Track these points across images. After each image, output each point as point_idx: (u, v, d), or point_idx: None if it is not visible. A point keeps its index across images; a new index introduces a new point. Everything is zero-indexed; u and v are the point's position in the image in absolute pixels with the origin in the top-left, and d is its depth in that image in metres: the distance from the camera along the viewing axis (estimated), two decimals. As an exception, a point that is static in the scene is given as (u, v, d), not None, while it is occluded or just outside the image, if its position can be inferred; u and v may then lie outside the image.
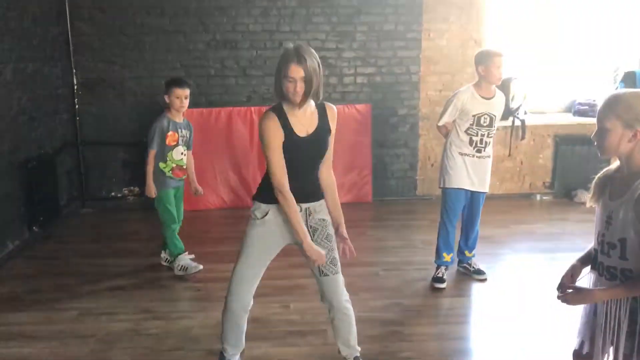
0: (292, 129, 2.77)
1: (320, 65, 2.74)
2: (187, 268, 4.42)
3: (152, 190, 4.37)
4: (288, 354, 3.32)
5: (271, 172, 2.76)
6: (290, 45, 2.75)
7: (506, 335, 3.54)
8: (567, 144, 6.63)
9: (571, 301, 2.16)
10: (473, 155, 4.17)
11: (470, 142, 4.16)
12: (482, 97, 4.12)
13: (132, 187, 6.38)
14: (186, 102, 4.36)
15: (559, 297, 2.18)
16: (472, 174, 4.19)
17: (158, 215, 4.45)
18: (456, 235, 4.37)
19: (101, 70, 6.20)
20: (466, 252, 4.42)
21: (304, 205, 2.87)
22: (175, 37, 6.20)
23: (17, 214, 5.15)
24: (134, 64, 6.23)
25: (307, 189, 2.89)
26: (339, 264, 2.96)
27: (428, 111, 6.49)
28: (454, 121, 4.19)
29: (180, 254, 4.45)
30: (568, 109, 6.95)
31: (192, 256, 4.51)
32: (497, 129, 6.51)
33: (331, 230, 2.96)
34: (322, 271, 2.92)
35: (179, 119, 4.41)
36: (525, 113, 6.54)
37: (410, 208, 6.36)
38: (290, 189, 2.77)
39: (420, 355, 3.29)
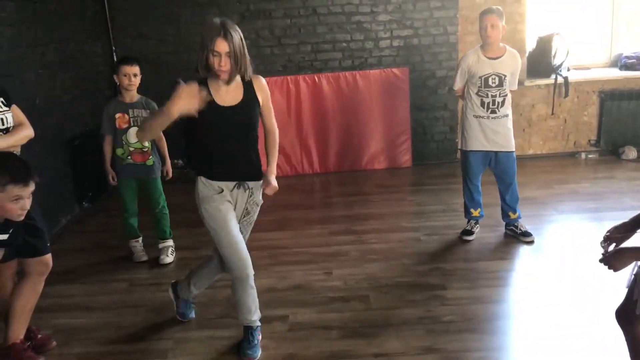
0: (213, 99, 2.78)
1: (244, 42, 2.76)
2: (133, 254, 4.42)
3: (110, 175, 4.23)
4: (332, 319, 3.37)
5: None
6: (215, 19, 2.73)
7: (549, 298, 3.52)
8: (613, 100, 6.43)
9: (616, 264, 2.09)
10: (487, 117, 4.15)
11: (482, 103, 4.15)
12: (488, 58, 4.10)
13: (175, 160, 6.49)
14: (135, 80, 4.08)
15: (601, 260, 2.14)
16: (489, 135, 4.18)
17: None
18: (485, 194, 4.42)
19: (139, 46, 6.28)
20: (510, 214, 4.37)
21: (250, 184, 2.98)
22: (209, 10, 6.21)
23: (67, 190, 5.34)
24: (170, 39, 6.29)
25: (244, 166, 2.95)
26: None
27: (467, 72, 6.37)
28: (466, 84, 4.20)
29: (130, 239, 4.43)
30: (614, 63, 6.68)
31: (141, 245, 4.45)
32: (539, 87, 6.45)
33: (256, 215, 3.10)
34: None
35: (130, 98, 4.12)
36: (568, 70, 6.36)
37: (451, 172, 6.30)
38: (225, 166, 2.89)
39: (462, 318, 3.30)
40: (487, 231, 4.50)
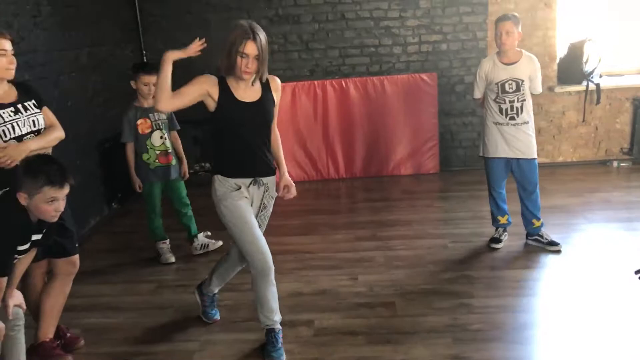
0: (232, 94, 2.86)
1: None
2: (160, 256, 4.45)
3: (136, 182, 4.27)
4: (357, 325, 3.36)
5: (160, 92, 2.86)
6: (243, 22, 2.83)
7: (578, 309, 3.45)
8: (646, 107, 6.29)
9: None
10: (507, 124, 4.12)
11: (500, 110, 4.12)
12: (504, 64, 4.09)
13: (202, 164, 6.57)
14: (153, 89, 4.03)
15: (637, 272, 2.09)
16: (510, 142, 4.15)
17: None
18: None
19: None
20: (534, 222, 4.30)
21: (264, 180, 3.03)
22: (238, 14, 6.26)
23: (97, 192, 5.43)
24: (200, 43, 6.35)
25: (260, 163, 3.00)
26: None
27: (496, 78, 6.30)
28: (485, 92, 4.21)
29: (157, 240, 4.47)
30: (648, 70, 6.56)
31: (169, 246, 4.50)
32: (570, 94, 6.35)
33: (271, 208, 3.18)
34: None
35: (148, 103, 4.15)
36: (600, 76, 6.26)
37: (478, 178, 6.19)
38: (242, 163, 2.95)
39: (490, 327, 3.26)
40: (515, 239, 4.44)
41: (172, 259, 4.43)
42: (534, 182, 4.25)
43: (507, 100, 4.09)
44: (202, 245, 4.56)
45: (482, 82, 4.19)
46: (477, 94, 4.28)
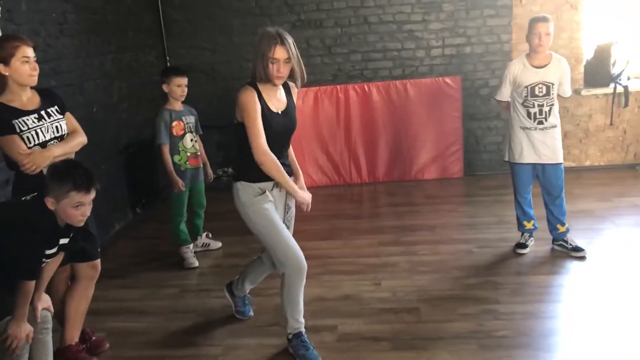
0: (267, 104, 2.89)
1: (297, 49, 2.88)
2: (184, 260, 4.46)
3: (178, 182, 4.27)
4: (381, 331, 3.33)
5: (255, 139, 2.86)
6: (270, 28, 2.85)
7: (606, 315, 3.37)
8: (676, 110, 6.16)
9: None
10: (535, 128, 4.04)
11: (528, 114, 4.04)
12: (534, 67, 3.99)
13: (225, 168, 6.59)
14: (185, 90, 4.29)
15: None
16: (537, 147, 4.06)
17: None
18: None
19: (193, 56, 6.42)
20: (558, 227, 4.23)
21: None
22: (261, 20, 6.29)
23: (122, 197, 5.48)
24: (222, 49, 6.40)
25: (284, 166, 2.99)
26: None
27: (521, 81, 6.23)
28: (511, 95, 4.12)
29: (182, 245, 4.48)
30: (677, 72, 6.42)
31: (192, 251, 4.52)
32: (597, 97, 6.25)
33: (294, 208, 3.21)
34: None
35: (179, 106, 4.32)
36: (629, 79, 6.15)
37: (503, 183, 6.13)
38: None
39: (516, 334, 3.21)
40: (541, 244, 4.36)
41: (196, 263, 4.45)
42: (560, 187, 4.17)
43: (535, 104, 4.01)
44: (203, 243, 4.72)
45: (510, 85, 4.10)
46: (503, 97, 4.18)
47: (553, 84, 4.00)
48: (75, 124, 3.07)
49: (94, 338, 3.33)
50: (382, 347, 3.17)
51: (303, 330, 3.10)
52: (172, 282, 4.22)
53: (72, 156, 2.99)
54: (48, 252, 2.61)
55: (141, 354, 3.28)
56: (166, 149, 4.27)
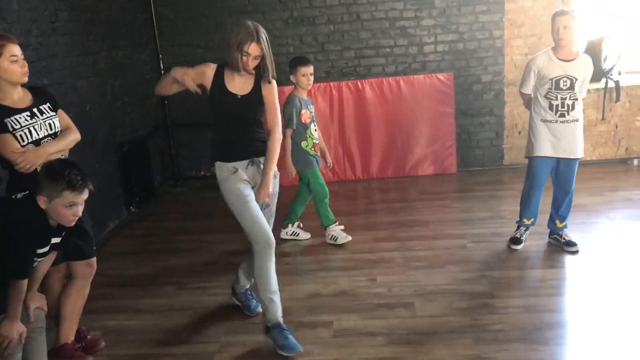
0: (224, 84, 3.12)
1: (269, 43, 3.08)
2: (336, 238, 4.57)
3: (292, 169, 4.44)
4: (377, 326, 3.34)
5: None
6: (249, 22, 3.05)
7: (600, 308, 3.40)
8: (668, 104, 6.19)
9: None
10: (556, 121, 4.01)
11: (550, 106, 4.01)
12: (561, 60, 3.97)
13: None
14: (312, 79, 4.41)
15: None
16: (557, 140, 4.03)
17: (305, 189, 4.63)
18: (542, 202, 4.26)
19: (186, 54, 6.40)
20: (557, 222, 4.25)
21: (262, 159, 3.19)
22: (254, 17, 6.26)
23: (116, 195, 5.46)
24: (216, 46, 6.38)
25: (252, 144, 3.19)
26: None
27: (514, 77, 6.24)
28: (533, 89, 4.09)
29: (330, 225, 4.60)
30: (668, 67, 6.46)
31: (342, 227, 4.65)
32: (589, 92, 6.26)
33: (277, 187, 3.30)
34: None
35: (305, 96, 4.47)
36: (620, 74, 6.18)
37: (497, 178, 6.20)
38: (235, 147, 3.17)
39: (512, 327, 3.22)
40: (536, 239, 4.38)
41: (349, 238, 4.58)
42: (572, 182, 4.16)
43: (559, 96, 3.97)
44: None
45: (534, 77, 4.05)
46: (527, 89, 4.12)
47: (577, 79, 3.95)
48: (68, 121, 3.05)
49: (89, 337, 3.32)
50: (378, 342, 3.18)
51: (281, 320, 3.17)
52: (168, 279, 4.21)
53: (67, 154, 2.98)
54: (40, 251, 2.60)
55: (137, 352, 3.28)
56: (289, 134, 4.37)
